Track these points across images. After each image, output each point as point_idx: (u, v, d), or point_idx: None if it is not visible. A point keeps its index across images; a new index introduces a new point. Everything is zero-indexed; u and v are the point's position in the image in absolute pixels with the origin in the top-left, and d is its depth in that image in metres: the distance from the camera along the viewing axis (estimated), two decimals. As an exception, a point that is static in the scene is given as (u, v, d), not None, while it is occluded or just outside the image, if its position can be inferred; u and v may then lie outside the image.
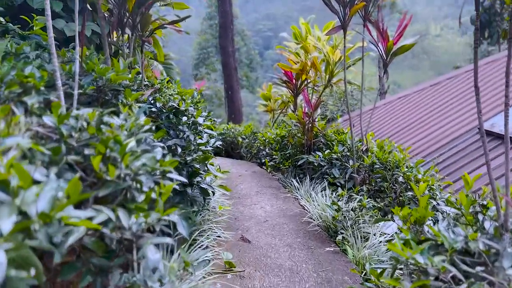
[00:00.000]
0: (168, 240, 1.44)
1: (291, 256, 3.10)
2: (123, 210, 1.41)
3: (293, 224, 3.87)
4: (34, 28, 3.25)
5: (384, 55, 4.33)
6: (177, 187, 2.12)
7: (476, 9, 1.69)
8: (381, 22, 4.43)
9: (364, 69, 4.68)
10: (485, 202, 2.38)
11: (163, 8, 4.55)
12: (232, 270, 2.77)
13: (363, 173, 4.44)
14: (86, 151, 1.57)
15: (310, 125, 5.49)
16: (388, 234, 3.19)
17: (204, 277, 2.43)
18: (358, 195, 3.95)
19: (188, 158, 2.68)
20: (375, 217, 3.60)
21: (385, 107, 10.22)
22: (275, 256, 3.08)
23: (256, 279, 2.66)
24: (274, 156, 6.55)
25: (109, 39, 4.41)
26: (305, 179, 5.09)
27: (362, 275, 2.78)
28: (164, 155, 1.94)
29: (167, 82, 3.94)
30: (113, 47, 4.41)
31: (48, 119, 1.50)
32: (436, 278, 1.72)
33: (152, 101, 2.97)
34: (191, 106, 3.26)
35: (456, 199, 3.75)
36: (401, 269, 1.95)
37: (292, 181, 5.34)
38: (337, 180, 4.56)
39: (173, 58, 14.66)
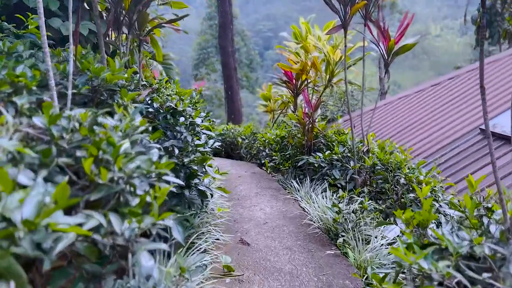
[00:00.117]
0: (163, 246, 1.39)
1: (291, 259, 3.04)
2: (116, 214, 1.35)
3: (293, 226, 3.81)
4: (29, 27, 3.19)
5: (385, 54, 4.28)
6: (174, 189, 2.07)
7: (483, 5, 1.63)
8: (382, 21, 4.37)
9: (365, 69, 4.62)
10: (489, 205, 2.32)
11: (162, 7, 4.50)
12: (231, 274, 2.71)
13: (364, 174, 4.38)
14: (78, 153, 1.51)
15: (310, 125, 5.43)
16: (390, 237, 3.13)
17: (202, 282, 2.37)
18: (359, 196, 3.89)
19: (185, 160, 2.62)
20: (377, 219, 3.54)
21: (386, 108, 10.17)
22: (274, 259, 3.03)
23: (255, 284, 2.61)
24: (274, 157, 6.49)
25: (107, 39, 4.36)
26: (305, 180, 5.03)
27: (364, 279, 2.72)
28: (160, 157, 1.88)
29: (166, 82, 3.88)
30: (111, 46, 4.36)
31: (38, 120, 1.45)
32: (440, 284, 1.66)
33: (149, 102, 2.91)
34: (189, 107, 3.20)
35: (458, 201, 3.68)
36: (403, 272, 1.89)
37: (292, 182, 5.29)
38: (337, 181, 4.50)
39: (173, 58, 14.62)
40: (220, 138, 10.19)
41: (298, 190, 4.93)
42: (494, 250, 1.77)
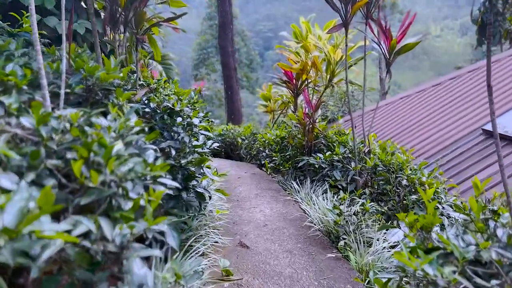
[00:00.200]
0: (156, 252, 1.32)
1: (291, 262, 2.97)
2: (107, 219, 1.29)
3: (293, 229, 3.74)
4: (24, 25, 3.13)
5: (387, 54, 4.21)
6: (171, 191, 2.00)
7: (490, 1, 1.57)
8: (384, 20, 4.31)
9: (366, 69, 4.55)
10: (495, 208, 2.26)
11: (160, 6, 4.44)
12: (229, 278, 2.64)
13: (366, 175, 4.31)
14: (69, 155, 1.45)
15: (311, 126, 5.36)
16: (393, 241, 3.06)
17: (200, 287, 2.31)
18: (360, 198, 3.82)
19: (182, 161, 2.55)
20: (379, 221, 3.47)
21: (387, 108, 10.10)
22: (274, 262, 2.96)
23: (255, 288, 2.54)
24: (274, 158, 6.42)
25: (105, 38, 4.29)
26: (305, 181, 4.97)
27: (366, 284, 2.65)
28: (156, 158, 1.82)
29: (164, 82, 3.82)
30: (108, 46, 4.29)
31: (26, 120, 1.38)
32: (446, 290, 1.60)
33: (146, 101, 2.85)
34: (187, 107, 3.14)
35: (461, 202, 3.61)
36: (407, 276, 1.83)
37: (292, 183, 5.22)
38: (338, 182, 4.44)
39: (173, 58, 14.56)
40: (219, 138, 10.11)
41: (298, 192, 4.86)
42: (502, 255, 1.70)
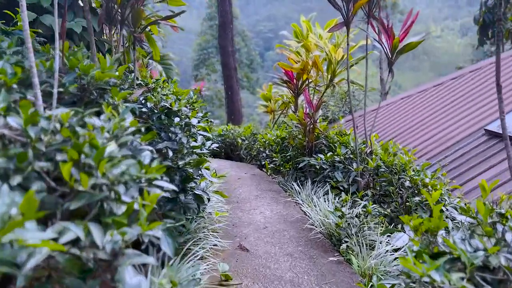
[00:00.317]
0: (150, 260, 1.25)
1: (292, 266, 2.90)
2: (98, 225, 1.22)
3: (294, 231, 3.67)
4: (18, 23, 3.06)
5: (389, 53, 4.14)
6: (168, 194, 1.93)
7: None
8: (386, 19, 4.24)
9: (367, 69, 4.48)
10: (503, 211, 2.18)
11: (159, 4, 4.38)
12: (228, 283, 2.57)
13: (367, 176, 4.24)
14: (59, 157, 1.37)
15: (312, 126, 5.29)
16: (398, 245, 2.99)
17: (197, 292, 2.23)
18: (362, 200, 3.75)
19: (180, 163, 2.48)
20: (381, 224, 3.40)
21: (388, 108, 10.03)
22: (274, 266, 2.89)
23: (254, 293, 2.47)
24: (274, 158, 6.35)
25: (102, 37, 4.22)
26: (306, 182, 4.90)
27: (369, 288, 2.58)
28: (152, 160, 1.75)
29: (163, 82, 3.75)
30: (106, 45, 4.23)
31: (13, 120, 1.31)
32: (453, 298, 1.53)
33: (143, 101, 2.78)
34: (186, 107, 3.06)
35: (465, 204, 3.52)
36: (413, 282, 1.76)
37: (293, 184, 5.15)
38: (340, 184, 4.36)
39: (173, 58, 14.48)
40: (219, 139, 10.04)
41: (299, 193, 4.79)
42: (511, 260, 1.64)
